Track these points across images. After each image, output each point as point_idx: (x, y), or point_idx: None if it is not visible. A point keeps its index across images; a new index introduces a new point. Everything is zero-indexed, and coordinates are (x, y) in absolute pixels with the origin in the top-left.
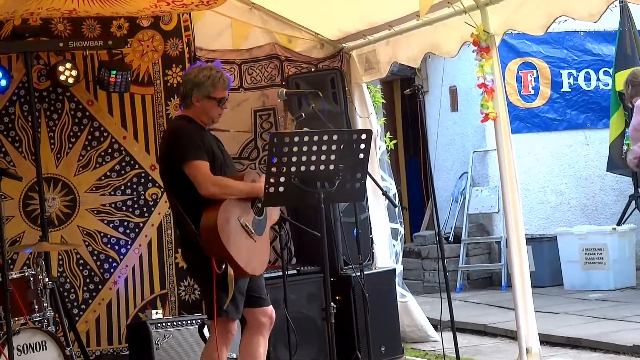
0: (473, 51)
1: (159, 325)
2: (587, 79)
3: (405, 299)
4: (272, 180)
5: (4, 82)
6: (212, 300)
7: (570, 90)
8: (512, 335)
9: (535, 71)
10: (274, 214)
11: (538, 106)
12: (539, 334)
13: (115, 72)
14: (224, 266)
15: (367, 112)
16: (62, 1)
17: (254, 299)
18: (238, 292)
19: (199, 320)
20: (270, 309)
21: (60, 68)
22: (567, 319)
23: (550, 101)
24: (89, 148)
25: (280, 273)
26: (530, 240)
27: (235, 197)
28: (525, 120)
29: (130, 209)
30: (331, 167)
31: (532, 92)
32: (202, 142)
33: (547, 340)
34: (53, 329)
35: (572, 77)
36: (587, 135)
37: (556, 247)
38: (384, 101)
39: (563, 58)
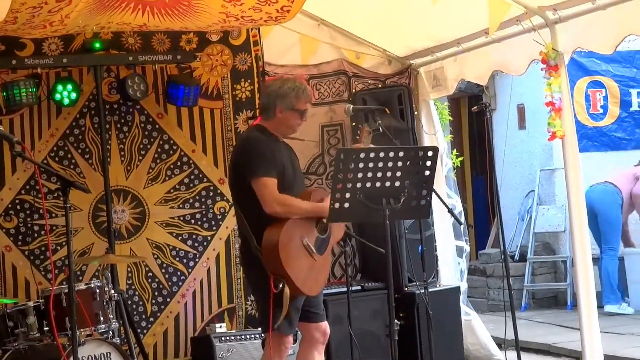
0: (542, 69)
1: (223, 338)
2: None
3: (470, 317)
4: (337, 196)
5: (73, 95)
6: (267, 316)
7: (639, 109)
8: (576, 356)
9: (604, 90)
10: (337, 232)
11: (606, 125)
12: (604, 354)
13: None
14: (281, 285)
15: (434, 129)
16: (132, 16)
17: (310, 314)
18: (294, 309)
19: (262, 335)
20: (324, 324)
21: (129, 81)
22: (632, 340)
23: (618, 120)
24: (158, 161)
25: (345, 289)
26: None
27: (300, 216)
28: (593, 139)
29: (199, 222)
30: (397, 183)
31: (601, 110)
32: (273, 157)
33: None
34: (118, 341)
35: None
36: None
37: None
38: (451, 118)
39: (632, 77)
